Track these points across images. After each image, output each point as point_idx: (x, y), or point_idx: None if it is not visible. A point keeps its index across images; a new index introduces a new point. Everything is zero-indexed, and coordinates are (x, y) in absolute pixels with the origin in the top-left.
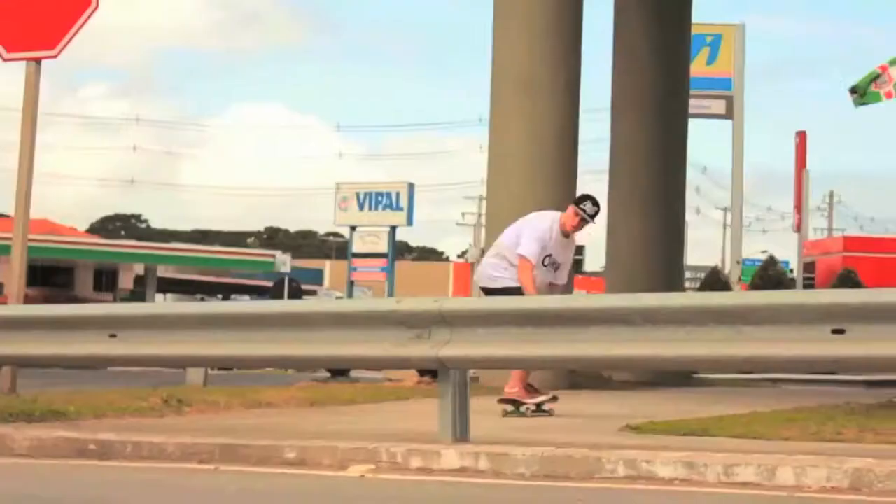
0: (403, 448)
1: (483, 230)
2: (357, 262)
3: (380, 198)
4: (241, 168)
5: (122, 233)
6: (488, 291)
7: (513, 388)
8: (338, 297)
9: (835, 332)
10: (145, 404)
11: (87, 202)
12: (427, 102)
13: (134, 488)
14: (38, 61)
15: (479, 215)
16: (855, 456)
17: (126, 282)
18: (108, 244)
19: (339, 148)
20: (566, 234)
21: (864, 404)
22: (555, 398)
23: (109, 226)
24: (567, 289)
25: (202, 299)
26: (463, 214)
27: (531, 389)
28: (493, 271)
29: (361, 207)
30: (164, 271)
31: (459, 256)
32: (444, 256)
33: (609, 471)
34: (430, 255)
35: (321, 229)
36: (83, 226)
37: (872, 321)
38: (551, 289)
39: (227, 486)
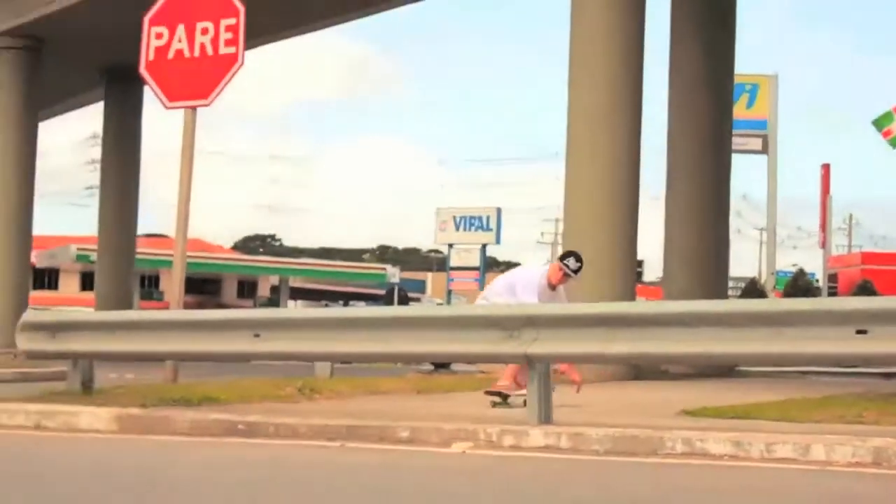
0: (497, 429)
1: (559, 248)
2: (454, 274)
3: (473, 220)
4: (358, 195)
5: (261, 250)
6: None
7: (504, 382)
8: (438, 304)
9: (858, 332)
10: (283, 392)
11: (231, 225)
12: (511, 138)
13: (275, 459)
14: (194, 109)
15: (556, 234)
16: (876, 436)
17: (264, 290)
18: (248, 259)
19: (441, 178)
20: (552, 287)
21: (882, 393)
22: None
23: (250, 244)
24: None
25: (326, 305)
26: (542, 234)
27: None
28: None
29: (458, 228)
30: (294, 282)
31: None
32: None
33: (669, 448)
34: (514, 267)
35: (424, 246)
36: (229, 244)
37: (890, 323)
38: None
39: (350, 458)
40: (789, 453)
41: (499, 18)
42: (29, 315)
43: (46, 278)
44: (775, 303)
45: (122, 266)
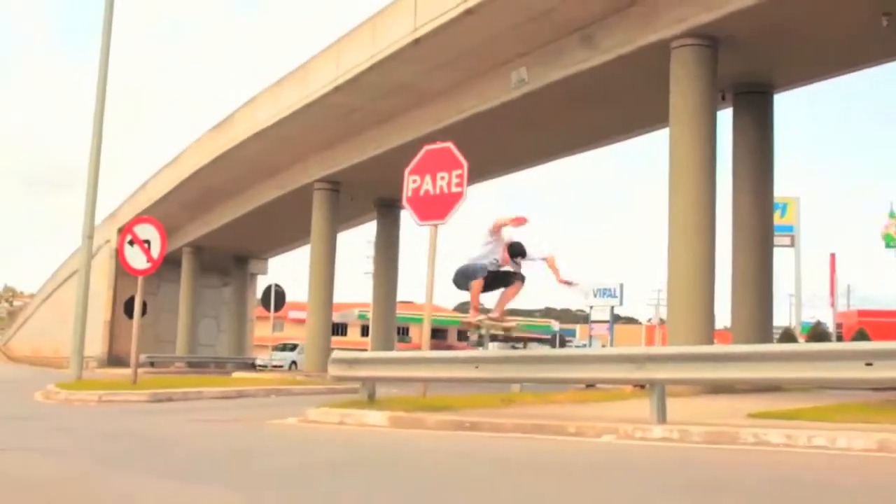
0: (631, 426)
1: (663, 308)
2: (594, 325)
3: (605, 291)
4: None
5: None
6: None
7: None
8: (583, 345)
9: (867, 364)
10: (491, 402)
11: (452, 293)
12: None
13: (489, 445)
14: (435, 226)
15: (658, 300)
16: (883, 431)
17: (474, 337)
18: (463, 316)
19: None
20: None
21: (880, 401)
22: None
23: (463, 306)
24: None
25: (513, 346)
26: (650, 299)
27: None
28: None
29: (595, 296)
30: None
31: (647, 321)
32: (639, 321)
33: (743, 439)
34: (631, 321)
35: (574, 307)
36: (451, 306)
37: (888, 358)
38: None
39: (537, 445)
40: (823, 442)
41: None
42: (336, 353)
43: (339, 329)
44: (808, 345)
45: (386, 321)
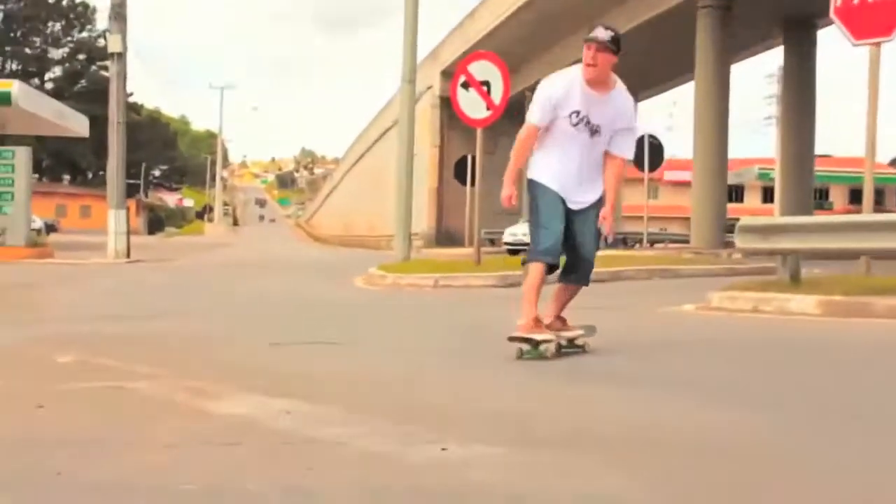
0: None
1: None
2: None
3: None
4: None
5: None
6: None
7: (523, 322)
8: None
9: None
10: None
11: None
12: None
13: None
14: (878, 44)
15: None
16: None
17: None
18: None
19: None
20: (592, 85)
21: None
22: (593, 328)
23: None
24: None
25: None
26: None
27: (559, 323)
28: None
29: None
30: None
31: None
32: None
33: None
34: None
35: None
36: (885, 160)
37: None
38: (607, 160)
39: None
40: None
41: None
42: (745, 220)
43: (733, 193)
44: None
45: (799, 181)
